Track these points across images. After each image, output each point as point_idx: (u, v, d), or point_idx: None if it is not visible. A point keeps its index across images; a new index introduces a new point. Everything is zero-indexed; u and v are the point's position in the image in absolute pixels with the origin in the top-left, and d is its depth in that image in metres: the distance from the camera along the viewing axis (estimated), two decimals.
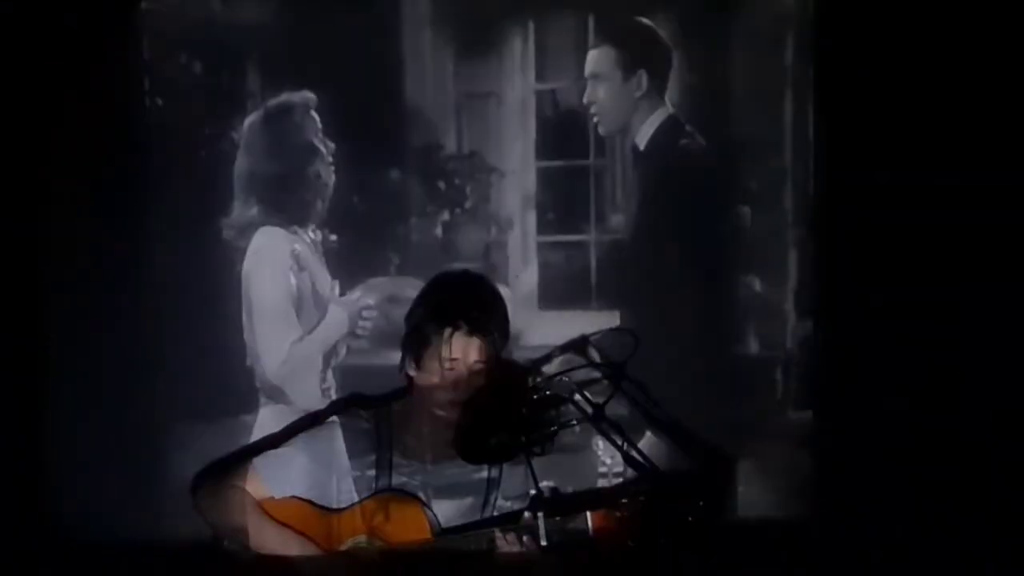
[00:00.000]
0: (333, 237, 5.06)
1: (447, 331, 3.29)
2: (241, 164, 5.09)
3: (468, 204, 5.17)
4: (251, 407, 4.94)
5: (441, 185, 5.17)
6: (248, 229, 5.04)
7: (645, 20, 5.17)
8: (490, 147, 5.20)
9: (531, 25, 5.21)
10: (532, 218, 5.22)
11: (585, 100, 5.22)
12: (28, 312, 4.46)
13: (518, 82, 5.21)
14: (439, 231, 5.16)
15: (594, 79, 5.24)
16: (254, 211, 5.04)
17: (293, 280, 5.06)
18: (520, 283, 5.19)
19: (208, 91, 5.07)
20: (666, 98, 5.21)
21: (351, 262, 5.07)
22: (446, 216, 5.16)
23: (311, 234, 5.06)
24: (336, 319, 5.04)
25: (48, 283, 4.50)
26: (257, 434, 4.71)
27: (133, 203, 4.87)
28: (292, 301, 5.04)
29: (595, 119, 5.22)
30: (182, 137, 5.01)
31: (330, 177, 5.06)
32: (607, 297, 5.18)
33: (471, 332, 3.28)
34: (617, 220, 5.22)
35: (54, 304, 4.53)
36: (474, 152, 5.18)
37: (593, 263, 5.23)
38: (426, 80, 5.14)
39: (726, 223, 5.16)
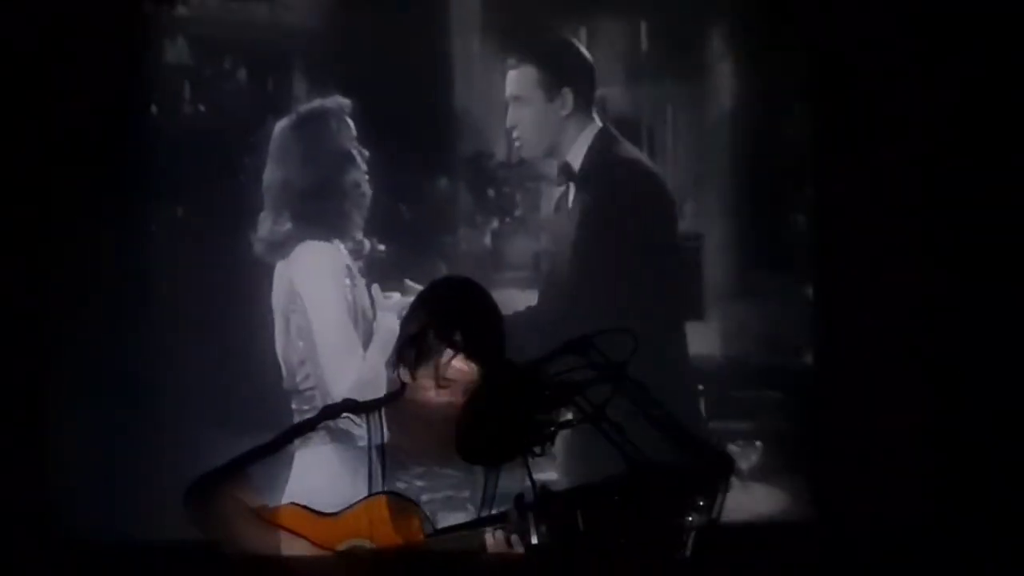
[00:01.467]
0: (381, 247, 5.00)
1: (447, 353, 3.24)
2: (272, 175, 4.97)
3: (518, 213, 5.11)
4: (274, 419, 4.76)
5: (491, 193, 5.12)
6: (285, 244, 4.94)
7: (568, 37, 5.06)
8: (541, 155, 5.12)
9: (583, 30, 5.13)
10: None
11: (507, 124, 5.09)
12: (31, 312, 4.48)
13: None
14: (488, 240, 5.09)
15: (515, 101, 5.11)
16: (288, 225, 4.92)
17: (350, 296, 4.99)
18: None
19: (247, 96, 5.00)
20: (594, 113, 5.08)
21: (399, 271, 4.97)
22: (495, 225, 5.10)
23: (353, 243, 4.97)
24: (387, 327, 4.94)
25: (53, 284, 4.51)
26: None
27: (154, 210, 4.86)
28: (352, 318, 4.97)
29: (517, 142, 5.07)
30: (217, 144, 4.95)
31: (367, 186, 4.97)
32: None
33: (470, 354, 3.24)
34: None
35: (58, 305, 4.53)
36: (524, 160, 5.11)
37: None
38: (475, 86, 5.09)
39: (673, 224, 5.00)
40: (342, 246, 4.96)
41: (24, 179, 4.48)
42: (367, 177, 4.97)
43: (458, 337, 3.22)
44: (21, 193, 4.49)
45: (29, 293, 4.45)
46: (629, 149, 5.06)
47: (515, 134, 5.08)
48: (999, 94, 4.63)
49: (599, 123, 5.08)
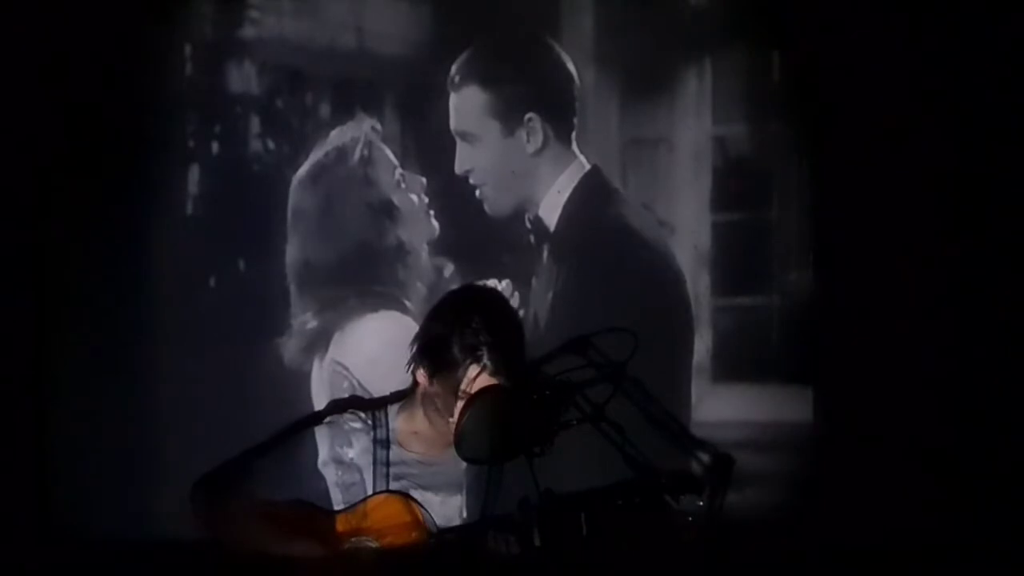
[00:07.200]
0: None
1: (473, 368, 3.16)
2: (291, 252, 3.99)
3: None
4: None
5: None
6: (317, 341, 4.03)
7: (542, 37, 3.81)
8: (659, 198, 4.68)
9: (708, 62, 4.71)
10: (706, 277, 4.75)
11: (456, 169, 3.92)
12: (32, 311, 4.44)
13: (692, 126, 4.72)
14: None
15: (462, 139, 3.97)
16: (314, 323, 4.01)
17: None
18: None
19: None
20: (574, 147, 3.98)
21: None
22: None
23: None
24: None
25: (54, 287, 4.44)
26: None
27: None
28: None
29: (479, 196, 3.91)
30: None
31: (420, 231, 4.02)
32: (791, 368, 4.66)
33: (496, 371, 3.17)
34: (798, 279, 4.66)
35: (57, 305, 4.47)
36: (642, 204, 4.66)
37: (775, 329, 4.74)
38: (588, 123, 4.57)
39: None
40: (405, 317, 4.02)
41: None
42: (428, 208, 4.00)
43: (485, 354, 3.16)
44: (49, 210, 4.43)
45: (31, 292, 4.44)
46: (627, 202, 4.02)
47: (471, 181, 3.98)
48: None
49: (585, 162, 4.03)
